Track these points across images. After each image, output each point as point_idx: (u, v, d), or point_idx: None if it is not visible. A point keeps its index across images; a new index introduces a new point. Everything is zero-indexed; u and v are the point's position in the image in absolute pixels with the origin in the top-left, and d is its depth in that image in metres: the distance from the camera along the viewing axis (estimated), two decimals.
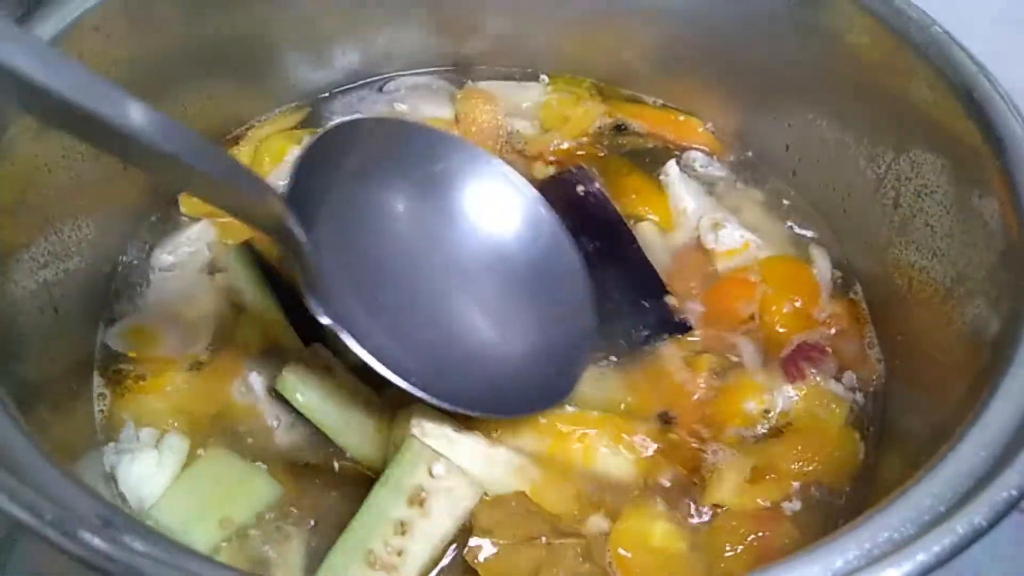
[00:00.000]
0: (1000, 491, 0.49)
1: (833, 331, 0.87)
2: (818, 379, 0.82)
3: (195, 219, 0.94)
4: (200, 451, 0.77)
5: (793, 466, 0.77)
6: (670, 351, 0.85)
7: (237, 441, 0.78)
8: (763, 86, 0.97)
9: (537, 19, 1.06)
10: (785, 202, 0.99)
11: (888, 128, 0.83)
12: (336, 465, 0.77)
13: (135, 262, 0.90)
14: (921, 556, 0.47)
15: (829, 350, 0.85)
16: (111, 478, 0.75)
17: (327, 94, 1.08)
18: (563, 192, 0.94)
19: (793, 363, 0.83)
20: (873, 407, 0.83)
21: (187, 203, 0.94)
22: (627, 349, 0.85)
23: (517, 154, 1.03)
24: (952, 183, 0.76)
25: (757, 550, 0.71)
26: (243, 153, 1.00)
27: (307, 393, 0.76)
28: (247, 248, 0.85)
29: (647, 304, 0.88)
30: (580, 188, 0.95)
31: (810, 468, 0.77)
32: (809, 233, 0.96)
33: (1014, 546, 0.87)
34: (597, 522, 0.73)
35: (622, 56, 1.06)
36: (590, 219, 0.93)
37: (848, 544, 0.50)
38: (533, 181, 0.90)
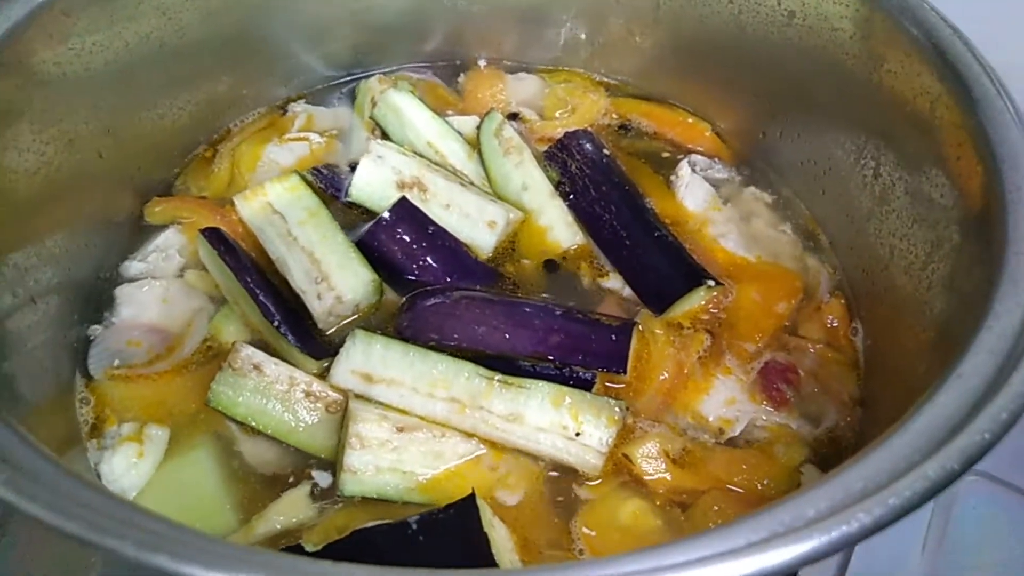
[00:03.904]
0: (973, 436, 0.48)
1: (815, 348, 0.84)
2: (789, 420, 0.79)
3: (162, 227, 0.92)
4: (187, 448, 0.76)
5: (726, 475, 0.74)
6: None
7: (219, 441, 0.76)
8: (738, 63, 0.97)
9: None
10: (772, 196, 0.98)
11: (868, 99, 0.83)
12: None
13: (106, 273, 0.88)
14: (892, 500, 0.46)
15: (801, 372, 0.81)
16: (95, 474, 0.74)
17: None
18: (587, 145, 0.95)
19: (774, 386, 0.80)
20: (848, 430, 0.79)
21: (152, 211, 0.93)
22: (663, 301, 0.84)
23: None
24: (930, 148, 0.75)
25: None
26: (222, 171, 0.98)
27: (242, 403, 0.74)
28: (215, 233, 0.84)
29: (678, 259, 0.87)
30: (605, 150, 0.96)
31: (742, 485, 0.74)
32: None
33: None
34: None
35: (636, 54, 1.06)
36: (617, 173, 0.94)
37: (819, 495, 0.48)
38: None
